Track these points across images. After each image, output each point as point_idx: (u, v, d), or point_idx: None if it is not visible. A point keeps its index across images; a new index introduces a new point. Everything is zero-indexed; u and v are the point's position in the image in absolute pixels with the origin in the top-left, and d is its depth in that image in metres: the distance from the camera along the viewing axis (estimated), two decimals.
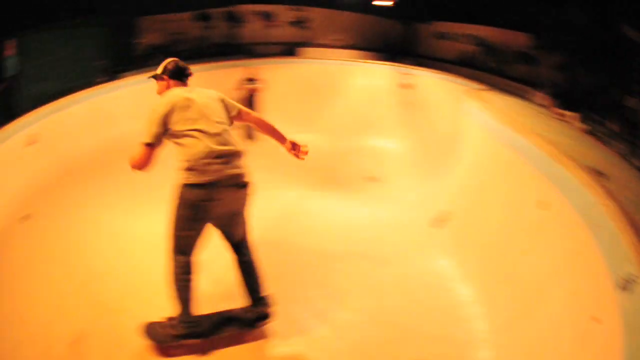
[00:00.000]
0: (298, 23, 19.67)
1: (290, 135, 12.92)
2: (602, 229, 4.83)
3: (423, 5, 17.76)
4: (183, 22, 16.98)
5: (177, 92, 5.90)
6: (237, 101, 9.35)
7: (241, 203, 5.87)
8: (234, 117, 6.27)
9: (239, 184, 5.63)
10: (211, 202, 5.37)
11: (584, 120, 9.27)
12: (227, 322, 6.09)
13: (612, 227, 4.59)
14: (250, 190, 5.80)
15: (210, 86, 14.39)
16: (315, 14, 19.72)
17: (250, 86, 14.95)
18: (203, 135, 5.39)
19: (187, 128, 5.41)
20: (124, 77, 13.22)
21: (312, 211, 11.10)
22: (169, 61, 6.65)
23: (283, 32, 19.54)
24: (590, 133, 8.69)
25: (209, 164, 5.29)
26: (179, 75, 6.58)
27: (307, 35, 19.75)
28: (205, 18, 17.72)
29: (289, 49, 19.04)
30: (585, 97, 9.84)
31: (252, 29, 19.11)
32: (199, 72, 14.97)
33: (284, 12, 19.48)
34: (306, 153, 6.70)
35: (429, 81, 15.77)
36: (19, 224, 8.08)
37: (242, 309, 6.21)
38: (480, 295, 7.31)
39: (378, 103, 16.31)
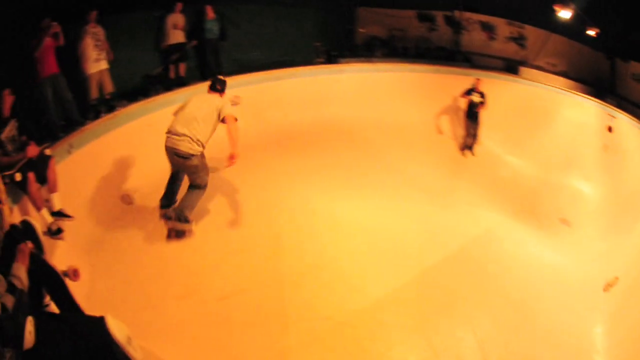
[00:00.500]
0: (515, 39, 19.34)
1: (502, 154, 13.10)
2: None
3: (623, 40, 16.94)
4: (404, 19, 17.45)
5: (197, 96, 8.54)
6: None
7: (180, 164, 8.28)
8: (221, 120, 8.17)
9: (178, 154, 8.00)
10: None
11: None
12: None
13: None
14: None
15: (434, 87, 14.72)
16: (530, 32, 19.17)
17: (473, 98, 14.92)
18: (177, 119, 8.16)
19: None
20: (342, 62, 13.83)
21: (508, 238, 11.16)
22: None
23: (502, 47, 19.31)
24: None
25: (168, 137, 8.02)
26: (211, 86, 8.68)
27: (523, 54, 19.35)
28: (427, 19, 18.23)
29: (508, 66, 18.79)
30: None
31: (472, 38, 19.15)
32: (424, 72, 15.39)
33: (502, 26, 19.17)
34: (231, 164, 8.14)
35: (629, 127, 14.97)
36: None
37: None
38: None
39: (582, 140, 15.81)
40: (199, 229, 8.24)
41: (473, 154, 15.20)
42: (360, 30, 16.08)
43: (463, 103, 15.05)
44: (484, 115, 15.46)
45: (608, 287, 9.57)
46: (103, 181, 8.92)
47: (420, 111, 14.91)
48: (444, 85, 16.02)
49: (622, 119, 15.26)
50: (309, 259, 8.12)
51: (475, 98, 14.71)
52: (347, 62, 14.59)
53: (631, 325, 7.81)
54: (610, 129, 15.87)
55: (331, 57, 14.03)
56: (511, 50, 19.37)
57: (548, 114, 17.12)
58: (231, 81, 9.95)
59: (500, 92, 16.79)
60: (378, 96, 14.33)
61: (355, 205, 10.10)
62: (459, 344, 7.22)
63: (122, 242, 8.13)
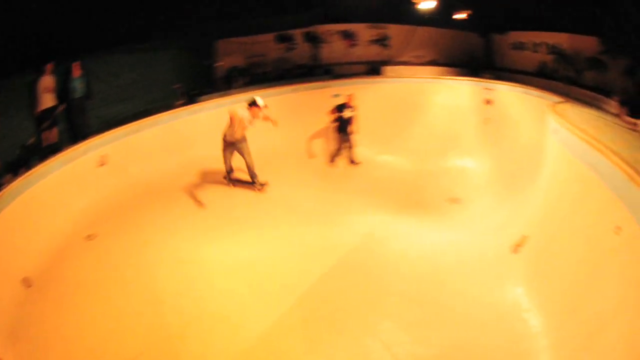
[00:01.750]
0: (378, 41, 19.66)
1: (374, 156, 13.09)
2: None
3: (499, 15, 17.45)
4: (263, 44, 17.28)
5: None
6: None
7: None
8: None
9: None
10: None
11: None
12: None
13: None
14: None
15: (294, 106, 14.82)
16: (394, 31, 19.62)
17: (344, 114, 14.63)
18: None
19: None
20: (202, 100, 13.64)
21: (392, 237, 10.92)
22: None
23: (364, 51, 19.57)
24: None
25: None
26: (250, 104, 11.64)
27: (387, 54, 19.71)
28: (286, 39, 18.02)
29: (371, 68, 18.97)
30: None
31: (333, 49, 19.22)
32: (283, 94, 15.48)
33: (364, 31, 19.50)
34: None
35: (509, 95, 15.41)
36: (85, 242, 8.57)
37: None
38: (550, 325, 7.01)
39: (459, 121, 16.03)
40: (80, 299, 7.55)
41: (356, 163, 15.07)
42: (218, 64, 15.91)
43: (331, 118, 14.79)
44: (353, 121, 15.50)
45: (517, 247, 9.48)
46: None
47: (283, 133, 14.14)
48: (303, 102, 16.03)
49: (502, 89, 15.58)
50: (191, 309, 7.56)
51: (347, 113, 14.52)
52: (206, 99, 14.02)
53: (553, 279, 7.74)
54: (488, 102, 16.20)
55: (191, 97, 13.73)
56: (374, 52, 19.64)
57: (418, 105, 17.32)
58: (97, 140, 10.08)
59: (364, 95, 16.74)
60: None
61: (229, 243, 9.73)
62: (365, 354, 6.86)
63: None
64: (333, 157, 15.11)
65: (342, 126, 14.66)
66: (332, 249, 9.70)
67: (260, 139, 13.53)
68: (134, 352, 6.60)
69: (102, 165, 10.01)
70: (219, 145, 11.75)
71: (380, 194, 13.75)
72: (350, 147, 15.00)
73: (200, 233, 9.75)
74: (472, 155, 15.05)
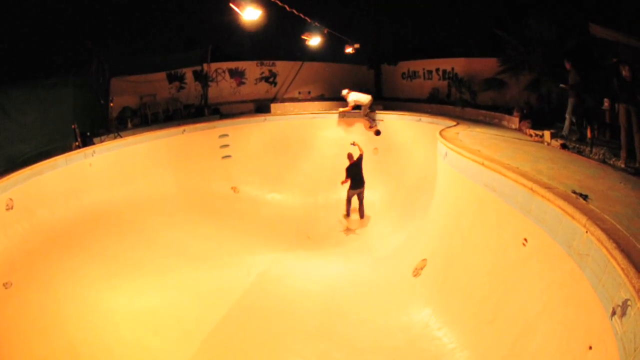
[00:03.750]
0: (267, 78, 19.94)
1: (264, 195, 13.71)
2: (587, 258, 4.73)
3: (388, 46, 17.95)
4: (155, 83, 16.88)
5: None
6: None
7: None
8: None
9: None
10: None
11: (556, 136, 9.39)
12: None
13: (598, 254, 4.48)
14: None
15: (183, 148, 14.55)
16: (281, 67, 20.02)
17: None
18: None
19: None
20: (96, 141, 13.12)
21: (289, 274, 10.85)
22: None
23: (252, 89, 19.75)
24: (566, 147, 8.80)
25: None
26: None
27: (275, 91, 20.03)
28: (176, 78, 17.62)
29: (259, 106, 19.16)
30: (557, 111, 9.92)
31: (222, 88, 19.26)
32: (172, 135, 15.23)
33: (253, 68, 19.70)
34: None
35: (399, 124, 16.00)
36: (2, 290, 7.89)
37: None
38: (466, 339, 7.09)
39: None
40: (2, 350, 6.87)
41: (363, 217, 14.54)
42: (112, 104, 15.42)
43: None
44: (237, 161, 16.17)
45: (418, 270, 9.62)
46: None
47: (173, 176, 14.59)
48: (192, 143, 15.86)
49: (391, 118, 16.26)
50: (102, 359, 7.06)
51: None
52: (101, 141, 13.43)
53: (462, 295, 7.81)
54: (377, 133, 16.75)
55: (85, 139, 13.19)
56: (262, 90, 19.92)
57: (306, 140, 17.71)
58: (4, 182, 9.38)
59: (251, 134, 17.19)
60: (133, 171, 13.44)
61: (130, 289, 9.21)
62: None
63: None
64: (348, 212, 14.56)
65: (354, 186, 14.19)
66: (228, 290, 9.53)
67: (148, 182, 13.30)
68: None
69: (9, 209, 9.40)
70: (114, 188, 11.64)
71: (271, 232, 13.74)
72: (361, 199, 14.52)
73: (104, 280, 9.26)
74: (366, 187, 14.95)
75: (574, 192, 5.78)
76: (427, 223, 11.04)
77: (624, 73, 7.26)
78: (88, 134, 13.15)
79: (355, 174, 13.83)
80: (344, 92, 16.73)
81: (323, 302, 9.35)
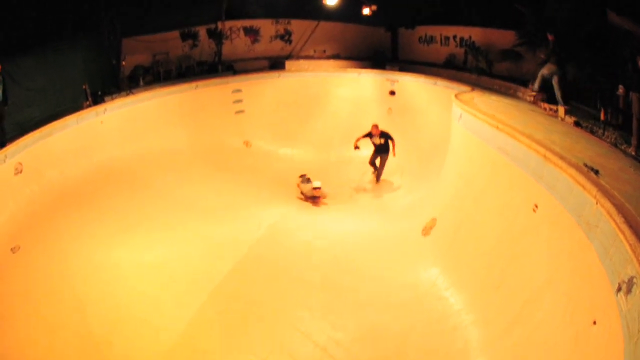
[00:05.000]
0: (282, 37, 19.65)
1: (277, 149, 12.77)
2: (596, 229, 4.67)
3: (407, 10, 17.69)
4: (168, 42, 16.68)
5: None
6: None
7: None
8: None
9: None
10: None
11: (572, 112, 9.22)
12: None
13: (607, 226, 4.42)
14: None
15: (196, 103, 14.40)
16: (297, 26, 19.68)
17: (374, 141, 13.91)
18: None
19: None
20: (108, 100, 13.05)
21: (299, 228, 10.95)
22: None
23: (267, 47, 19.50)
24: (579, 125, 8.58)
25: None
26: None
27: (290, 49, 19.75)
28: (190, 36, 17.48)
29: (273, 63, 18.95)
30: (573, 89, 9.78)
31: (236, 46, 19.00)
32: (184, 91, 15.14)
33: (268, 26, 19.41)
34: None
35: (414, 86, 15.85)
36: (10, 254, 7.90)
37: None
38: (472, 302, 7.13)
39: (362, 111, 16.31)
40: (10, 312, 6.93)
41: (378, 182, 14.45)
42: (124, 63, 15.32)
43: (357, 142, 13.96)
44: (253, 117, 16.29)
45: (427, 230, 9.72)
46: None
47: (185, 132, 14.73)
48: (205, 99, 15.87)
49: (407, 80, 16.10)
50: (113, 315, 7.16)
51: (376, 140, 13.76)
52: (112, 99, 13.40)
53: (470, 258, 7.89)
54: (392, 93, 16.59)
55: (96, 98, 13.15)
56: (277, 48, 19.63)
57: (320, 98, 17.61)
58: (13, 147, 9.39)
59: (265, 90, 17.10)
60: (144, 127, 13.55)
61: (139, 244, 9.39)
62: (285, 345, 6.74)
63: None
64: (378, 177, 14.39)
65: (376, 151, 14.05)
66: (237, 243, 9.61)
67: (160, 138, 13.28)
68: None
69: (18, 173, 9.44)
70: (126, 144, 11.63)
71: (283, 187, 13.76)
72: (381, 169, 14.31)
73: (113, 236, 9.28)
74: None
75: (586, 165, 5.66)
76: (439, 184, 11.07)
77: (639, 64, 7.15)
78: (99, 93, 13.11)
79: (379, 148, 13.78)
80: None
81: (331, 255, 9.46)
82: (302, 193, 13.08)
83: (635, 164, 6.42)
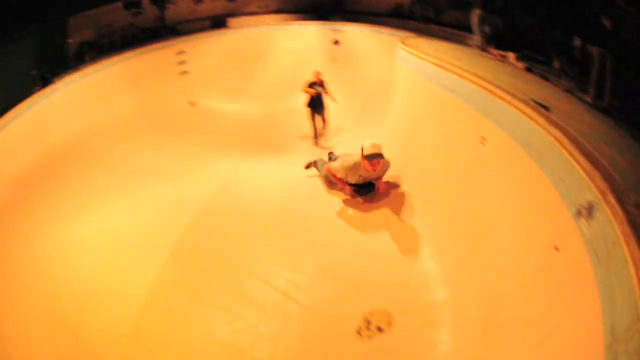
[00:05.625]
0: None
1: (222, 106, 14.42)
2: (548, 158, 4.71)
3: None
4: (111, 14, 16.42)
5: None
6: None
7: None
8: None
9: None
10: None
11: (522, 59, 9.13)
12: None
13: (559, 155, 4.45)
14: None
15: (140, 70, 14.16)
16: None
17: (315, 90, 13.71)
18: None
19: None
20: (56, 81, 12.86)
21: (251, 178, 10.94)
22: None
23: (210, 7, 19.13)
24: (530, 70, 8.52)
25: None
26: None
27: (233, 7, 19.40)
28: (132, 5, 17.07)
29: (216, 22, 18.68)
30: (524, 37, 9.81)
31: (179, 9, 18.58)
32: (128, 59, 14.87)
33: None
34: None
35: (359, 35, 15.87)
36: None
37: None
38: (428, 235, 7.22)
39: (306, 63, 16.09)
40: None
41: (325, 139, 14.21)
42: (70, 41, 15.09)
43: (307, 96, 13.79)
44: (197, 76, 16.06)
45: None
46: None
47: (132, 99, 14.53)
48: (149, 64, 15.67)
49: (351, 30, 16.27)
50: (82, 292, 6.97)
51: (318, 89, 13.64)
52: (60, 80, 13.33)
53: (419, 191, 8.28)
54: (336, 42, 16.59)
55: (45, 81, 12.97)
56: (220, 7, 19.19)
57: (264, 52, 17.58)
58: None
59: (209, 49, 16.95)
60: (93, 102, 13.15)
61: (98, 217, 9.08)
62: (246, 293, 6.85)
63: None
64: (316, 137, 14.11)
65: (314, 104, 13.83)
66: (191, 199, 9.55)
67: (109, 109, 13.16)
68: (41, 346, 6.04)
69: None
70: (77, 122, 11.49)
71: (232, 141, 13.81)
72: (324, 121, 14.12)
73: (73, 214, 8.96)
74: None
75: (535, 101, 5.62)
76: (385, 126, 11.29)
77: (605, 22, 7.13)
78: (49, 76, 12.91)
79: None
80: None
81: (284, 201, 9.49)
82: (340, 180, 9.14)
83: (591, 110, 6.39)
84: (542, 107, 5.45)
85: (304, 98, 13.72)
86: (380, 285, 6.51)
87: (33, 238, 8.22)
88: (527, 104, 5.54)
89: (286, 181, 10.71)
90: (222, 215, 8.98)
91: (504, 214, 5.57)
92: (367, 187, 8.90)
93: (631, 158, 4.51)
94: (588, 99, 6.84)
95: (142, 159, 11.92)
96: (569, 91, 7.25)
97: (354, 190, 8.95)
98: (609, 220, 3.38)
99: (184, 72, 16.48)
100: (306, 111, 13.72)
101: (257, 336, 6.06)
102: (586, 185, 3.87)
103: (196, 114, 15.63)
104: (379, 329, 5.92)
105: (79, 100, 12.41)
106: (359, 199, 8.95)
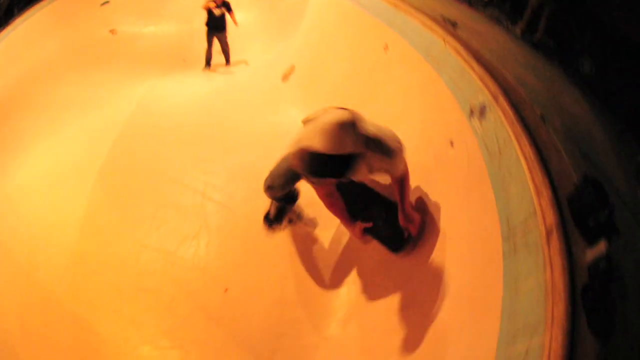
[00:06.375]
0: None
1: (143, 30, 15.17)
2: (445, 64, 5.01)
3: None
4: None
5: None
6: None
7: None
8: None
9: None
10: None
11: None
12: None
13: (455, 62, 4.74)
14: None
15: (66, 9, 14.41)
16: None
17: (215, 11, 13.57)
18: None
19: None
20: None
21: (169, 96, 11.27)
22: None
23: None
24: None
25: None
26: None
27: None
28: None
29: None
30: None
31: None
32: (54, 1, 14.10)
33: None
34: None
35: None
36: None
37: None
38: None
39: None
40: None
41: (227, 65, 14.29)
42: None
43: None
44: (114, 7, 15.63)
45: (286, 76, 10.47)
46: None
47: (56, 39, 14.23)
48: (73, 3, 15.24)
49: None
50: (29, 242, 6.94)
51: (217, 12, 13.60)
52: None
53: (325, 96, 8.50)
54: None
55: None
56: None
57: None
58: None
59: None
60: (24, 51, 12.92)
61: (31, 162, 9.09)
62: (168, 197, 7.25)
63: None
64: (208, 61, 14.08)
65: (213, 23, 13.74)
66: (113, 123, 9.65)
67: (37, 54, 12.93)
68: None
69: None
70: (9, 77, 11.20)
71: (150, 62, 14.18)
72: (224, 47, 14.09)
73: (7, 166, 8.97)
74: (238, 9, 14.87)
75: (443, 16, 5.78)
76: (297, 37, 11.63)
77: None
78: None
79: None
80: None
81: (201, 112, 9.90)
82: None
83: (517, 40, 6.46)
84: (450, 23, 5.65)
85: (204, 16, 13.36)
86: None
87: None
88: (432, 18, 5.78)
89: (204, 95, 11.18)
90: (142, 134, 9.12)
91: (405, 114, 5.92)
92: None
93: (548, 83, 4.78)
94: (517, 29, 6.81)
95: (67, 95, 11.68)
96: (496, 20, 7.15)
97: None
98: (500, 120, 3.62)
99: (105, 3, 16.14)
100: (204, 30, 13.58)
101: (181, 236, 6.44)
102: (479, 88, 4.14)
103: (116, 41, 15.44)
104: (290, 221, 6.25)
105: (10, 53, 11.93)
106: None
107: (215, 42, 13.94)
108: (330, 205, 4.99)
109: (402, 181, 4.63)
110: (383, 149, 4.11)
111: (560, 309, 2.43)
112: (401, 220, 4.70)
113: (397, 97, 6.24)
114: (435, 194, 4.87)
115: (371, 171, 4.35)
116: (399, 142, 4.25)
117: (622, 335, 2.34)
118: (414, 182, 5.07)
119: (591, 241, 2.69)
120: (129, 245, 6.40)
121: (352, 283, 5.54)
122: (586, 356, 2.30)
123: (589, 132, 4.07)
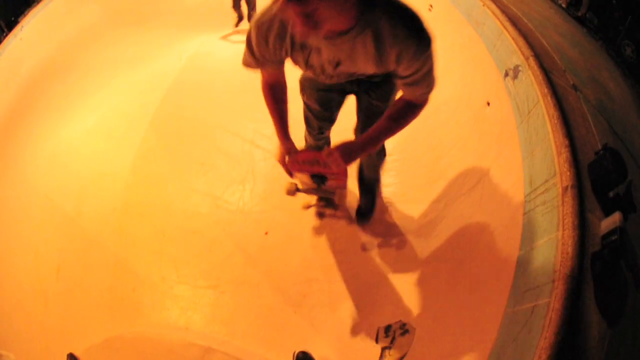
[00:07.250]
0: None
1: None
2: (483, 26, 5.11)
3: None
4: None
5: None
6: None
7: None
8: None
9: None
10: None
11: None
12: None
13: (493, 23, 4.83)
14: None
15: None
16: None
17: None
18: None
19: None
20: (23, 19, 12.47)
21: (217, 51, 11.43)
22: None
23: None
24: None
25: None
26: None
27: None
28: None
29: None
30: None
31: None
32: None
33: None
34: None
35: None
36: None
37: None
38: None
39: None
40: None
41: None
42: None
43: None
44: None
45: None
46: None
47: (98, 3, 14.25)
48: None
49: None
50: (74, 190, 7.40)
51: None
52: (24, 17, 12.38)
53: None
54: None
55: (11, 24, 12.24)
56: None
57: None
58: None
59: None
60: (62, 22, 12.79)
61: (79, 118, 9.40)
62: (218, 145, 7.56)
63: None
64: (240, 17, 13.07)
65: None
66: (163, 76, 9.86)
67: (77, 23, 13.04)
68: (45, 247, 6.51)
69: None
70: (46, 48, 11.36)
71: (194, 19, 13.93)
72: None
73: (58, 125, 9.28)
74: None
75: None
76: None
77: None
78: (13, 19, 12.52)
79: None
80: None
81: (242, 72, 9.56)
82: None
83: (561, 12, 6.56)
84: None
85: None
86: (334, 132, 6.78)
87: (25, 157, 8.55)
88: None
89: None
90: (192, 86, 9.31)
91: (447, 72, 5.88)
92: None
93: (587, 56, 4.84)
94: (562, 2, 6.88)
95: (113, 54, 11.93)
96: None
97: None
98: (531, 81, 3.71)
99: None
100: None
101: (228, 181, 6.67)
102: (514, 50, 4.23)
103: None
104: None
105: (47, 26, 12.03)
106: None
107: None
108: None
109: (402, 108, 3.20)
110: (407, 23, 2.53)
111: (566, 267, 2.48)
112: (322, 156, 3.52)
113: (441, 53, 6.33)
114: (470, 154, 4.99)
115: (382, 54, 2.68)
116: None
117: (629, 315, 2.39)
118: (450, 141, 5.31)
119: (607, 212, 2.72)
120: (177, 189, 6.68)
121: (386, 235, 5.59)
122: (589, 325, 2.35)
123: (622, 112, 4.10)
